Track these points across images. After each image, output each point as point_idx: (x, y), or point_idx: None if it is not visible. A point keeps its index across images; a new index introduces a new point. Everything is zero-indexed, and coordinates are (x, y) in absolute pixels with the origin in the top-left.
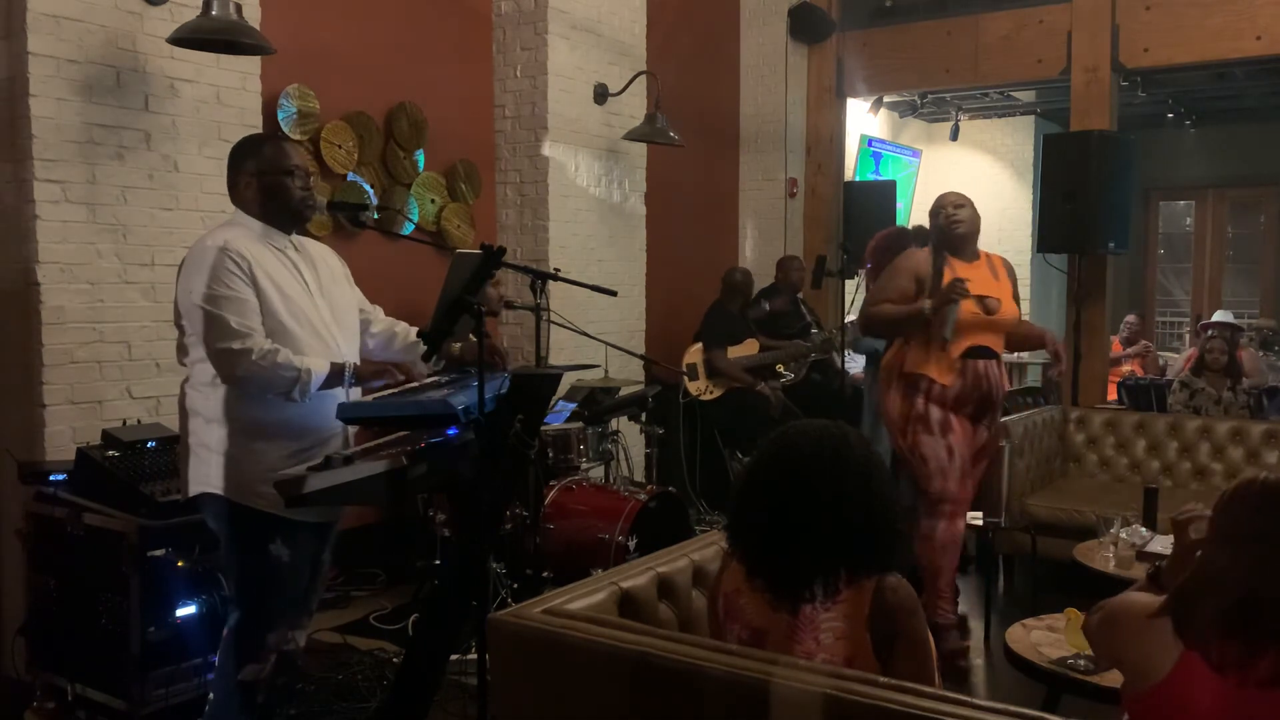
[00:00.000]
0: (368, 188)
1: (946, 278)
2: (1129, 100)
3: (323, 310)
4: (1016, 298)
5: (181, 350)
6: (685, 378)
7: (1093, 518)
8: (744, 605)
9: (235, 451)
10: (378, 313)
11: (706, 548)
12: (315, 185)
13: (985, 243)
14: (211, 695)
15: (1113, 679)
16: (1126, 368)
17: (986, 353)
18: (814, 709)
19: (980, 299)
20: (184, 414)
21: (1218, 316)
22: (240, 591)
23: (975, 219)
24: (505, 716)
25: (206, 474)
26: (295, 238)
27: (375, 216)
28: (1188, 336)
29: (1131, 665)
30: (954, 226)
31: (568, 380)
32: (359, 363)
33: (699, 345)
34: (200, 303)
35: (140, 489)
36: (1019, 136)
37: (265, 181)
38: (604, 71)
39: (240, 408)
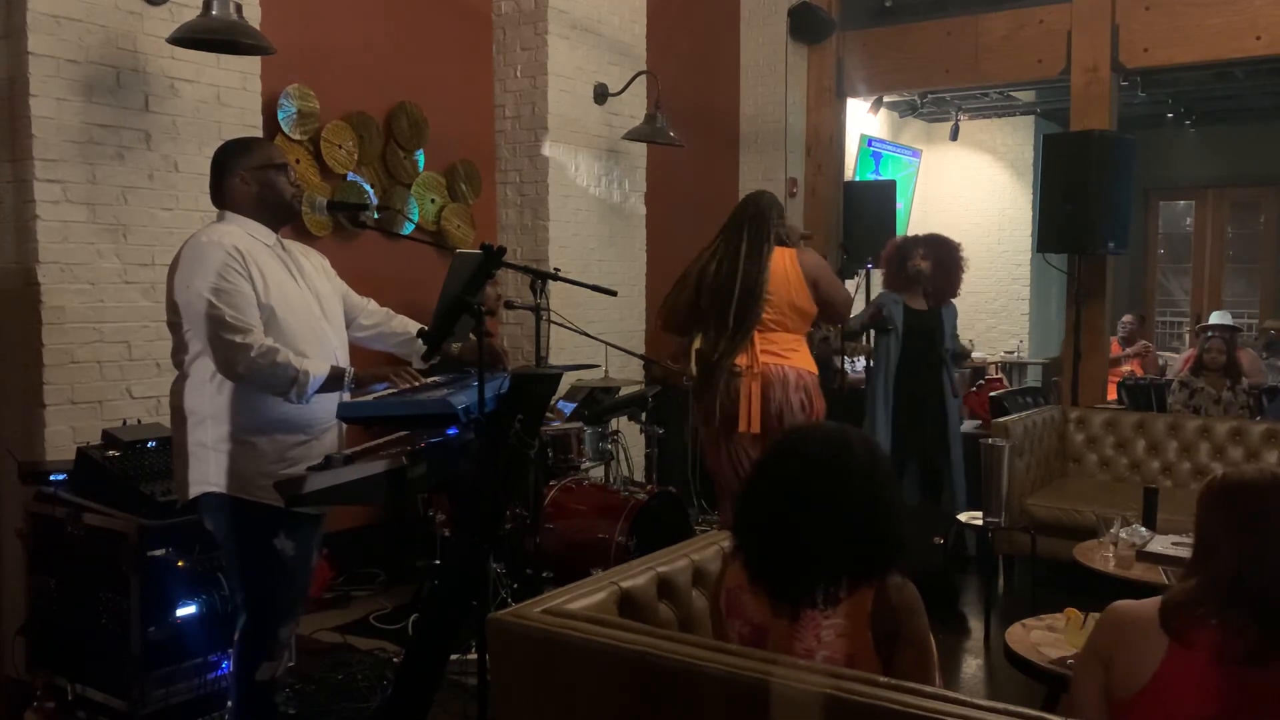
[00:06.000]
0: (368, 188)
1: None
2: (1129, 100)
3: (311, 304)
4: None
5: (179, 349)
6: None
7: (1093, 518)
8: (746, 601)
9: (235, 448)
10: (369, 304)
11: (706, 548)
12: (302, 181)
13: (985, 243)
14: (230, 702)
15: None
16: (1126, 368)
17: None
18: (814, 709)
19: None
20: (178, 416)
21: (1215, 318)
22: (247, 590)
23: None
24: (505, 716)
25: (205, 472)
26: (278, 238)
27: (375, 216)
28: (1187, 336)
29: (1121, 666)
30: None
31: (568, 380)
32: (357, 368)
33: None
34: (206, 294)
35: (140, 489)
36: (1019, 136)
37: (258, 178)
38: (604, 71)
39: (240, 404)
